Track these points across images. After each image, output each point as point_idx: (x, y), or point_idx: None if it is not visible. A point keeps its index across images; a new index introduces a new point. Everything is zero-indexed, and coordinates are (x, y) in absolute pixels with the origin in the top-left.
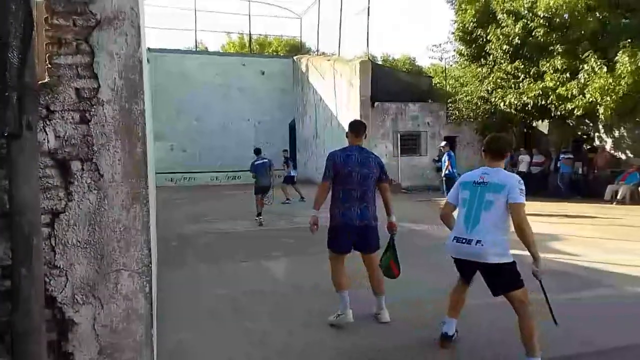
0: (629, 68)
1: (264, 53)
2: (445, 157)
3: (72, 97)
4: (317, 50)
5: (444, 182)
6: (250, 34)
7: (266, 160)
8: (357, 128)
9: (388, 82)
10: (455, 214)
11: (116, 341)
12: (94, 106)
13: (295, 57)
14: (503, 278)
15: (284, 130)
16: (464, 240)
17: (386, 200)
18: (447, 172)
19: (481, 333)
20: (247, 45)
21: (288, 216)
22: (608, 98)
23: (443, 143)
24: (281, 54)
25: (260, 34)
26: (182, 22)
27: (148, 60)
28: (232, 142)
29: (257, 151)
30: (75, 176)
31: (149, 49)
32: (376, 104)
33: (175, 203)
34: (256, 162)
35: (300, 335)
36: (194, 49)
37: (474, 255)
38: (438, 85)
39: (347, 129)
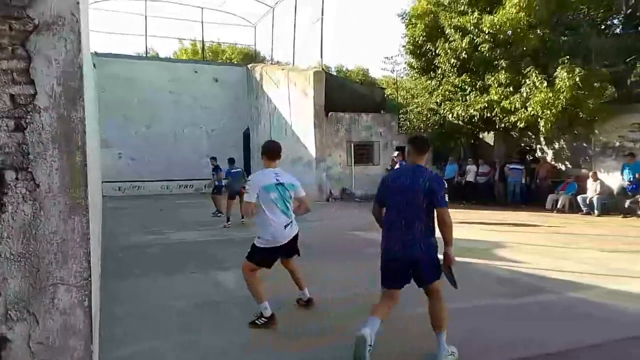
0: (567, 83)
1: (218, 60)
2: (397, 167)
3: (6, 104)
4: (272, 59)
5: None
6: (203, 41)
7: (240, 170)
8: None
9: (342, 93)
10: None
11: (53, 358)
12: (30, 113)
13: (249, 66)
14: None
15: (237, 138)
16: (287, 225)
17: None
18: None
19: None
20: (200, 52)
21: (241, 226)
22: (548, 111)
23: (395, 153)
24: (235, 62)
25: (213, 42)
26: (132, 28)
27: (94, 65)
28: (184, 150)
29: (232, 161)
30: (9, 186)
31: (95, 53)
32: (330, 113)
33: (123, 213)
34: (232, 171)
35: (250, 348)
36: (145, 55)
37: (293, 232)
38: (390, 96)
39: (301, 137)
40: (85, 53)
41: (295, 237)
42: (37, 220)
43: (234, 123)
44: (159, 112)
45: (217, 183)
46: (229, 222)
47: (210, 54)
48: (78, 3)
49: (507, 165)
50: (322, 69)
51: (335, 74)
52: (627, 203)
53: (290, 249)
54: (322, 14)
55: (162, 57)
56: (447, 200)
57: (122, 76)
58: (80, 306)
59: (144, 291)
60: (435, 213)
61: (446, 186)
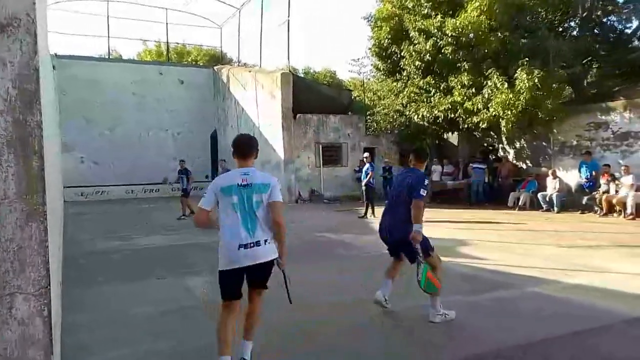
0: (527, 84)
1: (183, 62)
2: (367, 168)
3: None
4: (239, 61)
5: (364, 191)
6: (167, 42)
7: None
8: None
9: (309, 95)
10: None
11: None
12: None
13: (215, 67)
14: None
15: (204, 140)
16: (251, 244)
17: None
18: (369, 181)
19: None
20: (165, 53)
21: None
22: (509, 112)
23: (365, 154)
24: (201, 64)
25: (178, 43)
26: (94, 29)
27: (54, 67)
28: (150, 153)
29: (222, 162)
30: None
31: (56, 55)
32: (298, 115)
33: (86, 219)
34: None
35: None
36: (107, 57)
37: (260, 256)
38: (357, 98)
39: (269, 139)
40: (43, 55)
41: (265, 265)
42: None
43: (200, 125)
44: (122, 114)
45: (184, 186)
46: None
47: (175, 55)
48: (34, 4)
49: (470, 164)
50: (290, 71)
51: (302, 75)
52: (584, 200)
53: (254, 278)
54: (289, 16)
55: (126, 59)
56: (426, 192)
57: (84, 78)
58: (39, 315)
59: (109, 298)
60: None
61: (425, 183)
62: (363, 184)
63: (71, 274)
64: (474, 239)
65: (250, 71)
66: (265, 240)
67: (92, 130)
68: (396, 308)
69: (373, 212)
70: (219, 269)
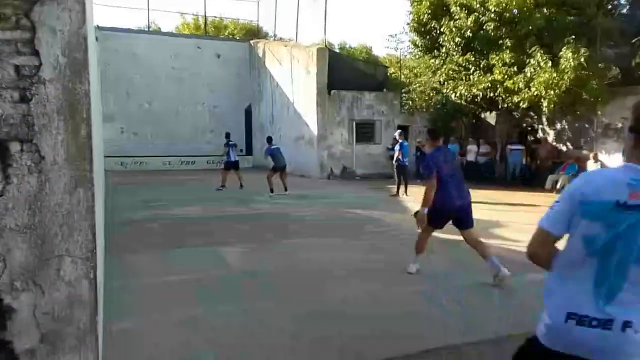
0: (572, 64)
1: (220, 36)
2: (397, 146)
3: (10, 75)
4: (275, 35)
5: (395, 169)
6: (205, 16)
7: (278, 146)
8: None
9: (344, 71)
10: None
11: (58, 328)
12: (35, 84)
13: (252, 42)
14: None
15: (239, 115)
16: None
17: None
18: (398, 159)
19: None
20: (202, 27)
21: (246, 202)
22: (552, 92)
23: (397, 132)
24: (237, 38)
25: (215, 17)
26: (134, 1)
27: (97, 39)
28: (186, 126)
29: (270, 139)
30: (14, 158)
31: (97, 26)
32: (332, 91)
33: (126, 188)
34: (272, 147)
35: (252, 323)
36: (147, 29)
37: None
38: (393, 75)
39: (303, 114)
40: (90, 25)
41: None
42: (42, 192)
43: (236, 100)
44: (161, 87)
45: (226, 159)
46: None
47: (212, 29)
48: None
49: (508, 145)
50: (326, 46)
51: (338, 51)
52: None
53: None
54: None
55: (165, 32)
56: (429, 172)
57: (124, 50)
58: (85, 278)
59: (147, 265)
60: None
61: (427, 163)
62: (394, 161)
63: (112, 241)
64: (508, 220)
65: (286, 46)
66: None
67: (131, 102)
68: (427, 287)
69: (406, 191)
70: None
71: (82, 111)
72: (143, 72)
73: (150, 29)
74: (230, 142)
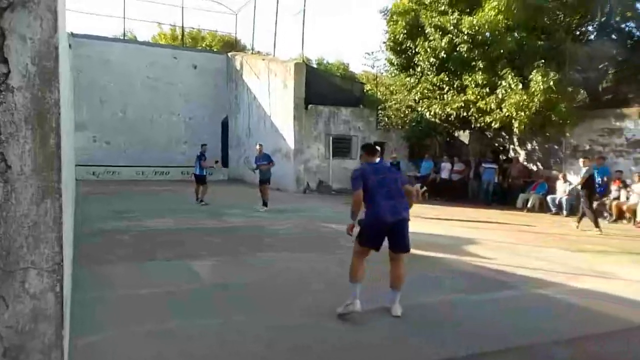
0: (542, 87)
1: (197, 47)
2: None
3: None
4: (252, 49)
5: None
6: (183, 27)
7: (268, 154)
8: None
9: (322, 86)
10: None
11: (22, 343)
12: (3, 92)
13: (229, 54)
14: None
15: (215, 127)
16: None
17: None
18: None
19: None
20: (180, 37)
21: (219, 215)
22: (522, 113)
23: None
24: (215, 50)
25: (193, 28)
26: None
27: (70, 46)
28: (160, 136)
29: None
30: None
31: (71, 33)
32: (310, 106)
33: (97, 198)
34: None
35: (224, 336)
36: (122, 37)
37: None
38: (370, 92)
39: (280, 128)
40: (62, 33)
41: None
42: (8, 202)
43: (212, 111)
44: (135, 96)
45: (197, 172)
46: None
47: (190, 40)
48: None
49: (482, 164)
50: (303, 61)
51: (315, 66)
52: (594, 205)
53: None
54: (305, 6)
55: (141, 41)
56: (354, 185)
57: (99, 58)
58: (51, 291)
59: (117, 278)
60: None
61: (354, 176)
62: None
63: (81, 252)
64: (479, 237)
65: (263, 59)
66: None
67: (105, 110)
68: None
69: None
70: None
71: (52, 120)
72: (117, 80)
73: (126, 38)
74: (199, 154)
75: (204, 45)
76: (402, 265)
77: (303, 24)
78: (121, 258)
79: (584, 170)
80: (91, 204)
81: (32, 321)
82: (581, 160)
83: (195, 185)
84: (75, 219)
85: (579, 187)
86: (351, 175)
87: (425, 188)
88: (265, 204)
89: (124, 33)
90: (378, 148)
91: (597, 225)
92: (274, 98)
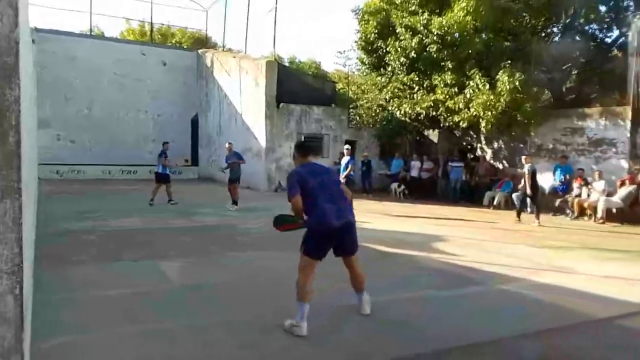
0: (508, 87)
1: (167, 44)
2: (347, 160)
3: None
4: (223, 46)
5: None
6: (152, 23)
7: (239, 153)
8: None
9: (293, 84)
10: None
11: None
12: None
13: (199, 51)
14: None
15: (185, 124)
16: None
17: None
18: (350, 174)
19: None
20: (148, 34)
21: (188, 214)
22: (489, 113)
23: (346, 147)
24: (185, 46)
25: (163, 24)
26: (76, 3)
27: (34, 41)
28: (128, 134)
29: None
30: None
31: (35, 28)
32: (281, 104)
33: (62, 197)
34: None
35: (189, 338)
36: (89, 33)
37: None
38: (341, 90)
39: (251, 126)
40: (23, 28)
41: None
42: None
43: (182, 109)
44: (102, 93)
45: (160, 170)
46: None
47: (159, 36)
48: None
49: (449, 162)
50: (275, 59)
51: (287, 64)
52: (557, 202)
53: None
54: (276, 4)
55: (108, 37)
56: (290, 191)
57: (64, 54)
58: (10, 293)
59: (82, 279)
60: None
61: (289, 181)
62: (342, 176)
63: (44, 253)
64: (447, 235)
65: (234, 57)
66: None
67: (69, 107)
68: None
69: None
70: None
71: (11, 118)
72: (83, 76)
73: (92, 34)
74: (160, 152)
75: (173, 42)
76: (358, 265)
77: (275, 21)
78: (87, 259)
79: (526, 167)
80: (55, 203)
81: None
82: (523, 157)
83: (154, 184)
84: (38, 219)
85: (527, 187)
86: (287, 179)
87: (403, 187)
88: (235, 202)
89: (91, 29)
90: (311, 145)
91: (538, 217)
92: (246, 96)
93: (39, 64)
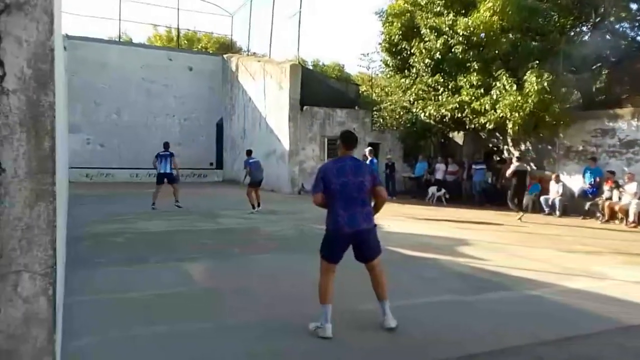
0: (536, 87)
1: (193, 49)
2: (369, 163)
3: None
4: (248, 50)
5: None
6: (178, 28)
7: (258, 160)
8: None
9: (317, 87)
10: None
11: (13, 347)
12: None
13: (225, 56)
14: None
15: (211, 128)
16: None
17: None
18: None
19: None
20: (175, 39)
21: (213, 217)
22: (516, 114)
23: (368, 149)
24: (211, 51)
25: (189, 29)
26: (105, 11)
27: (65, 48)
28: (155, 138)
29: (249, 152)
30: None
31: (66, 35)
32: (305, 107)
33: (90, 200)
34: (251, 161)
35: (212, 340)
36: (117, 39)
37: None
38: (365, 93)
39: (275, 129)
40: (57, 35)
41: None
42: (1, 205)
43: (207, 113)
44: (130, 98)
45: (168, 170)
46: (256, 209)
47: (185, 41)
48: None
49: (473, 165)
50: (299, 63)
51: (311, 68)
52: (587, 205)
53: None
54: (300, 8)
55: (136, 43)
56: (313, 188)
57: (94, 60)
58: (44, 294)
59: (108, 281)
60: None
61: (316, 175)
62: None
63: (73, 255)
64: (472, 238)
65: (259, 61)
66: None
67: (99, 112)
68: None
69: None
70: None
71: (46, 123)
72: (112, 82)
73: (121, 40)
74: (162, 153)
75: (199, 47)
76: (378, 271)
77: (299, 25)
78: (113, 261)
79: (516, 164)
80: (84, 206)
81: (23, 325)
82: (514, 159)
83: (156, 187)
84: (67, 222)
85: (507, 175)
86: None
87: (444, 191)
88: (257, 205)
89: (119, 35)
90: (355, 138)
91: (519, 211)
92: (269, 100)
93: (69, 70)
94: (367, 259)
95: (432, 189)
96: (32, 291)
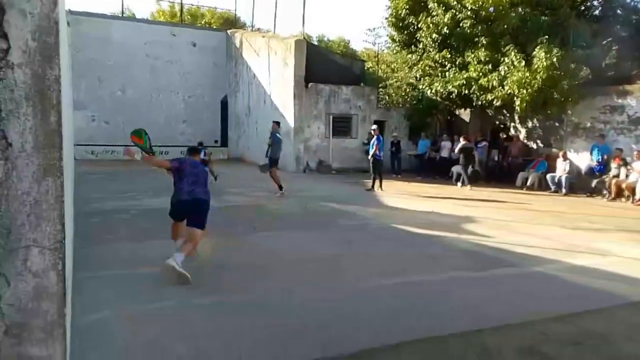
0: (545, 63)
1: (196, 24)
2: (374, 140)
3: None
4: (252, 26)
5: (371, 164)
6: (182, 3)
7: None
8: None
9: (322, 63)
10: None
11: (24, 321)
12: (3, 69)
13: (229, 31)
14: None
15: (215, 106)
16: None
17: None
18: (375, 154)
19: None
20: (178, 15)
21: (218, 194)
22: (524, 91)
23: (374, 127)
24: (214, 27)
25: (192, 5)
26: None
27: (68, 24)
28: (160, 115)
29: (278, 124)
30: None
31: (69, 10)
32: (310, 84)
33: (96, 177)
34: (279, 135)
35: (225, 315)
36: (120, 15)
37: None
38: (370, 69)
39: (279, 107)
40: (61, 8)
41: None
42: (9, 180)
43: (211, 90)
44: (134, 75)
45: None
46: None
47: (189, 17)
48: None
49: (476, 144)
50: (304, 38)
51: (316, 43)
52: (594, 183)
53: None
54: None
55: (139, 18)
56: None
57: (97, 36)
58: (53, 269)
59: (116, 257)
60: None
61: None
62: (369, 156)
63: (81, 231)
64: (478, 215)
65: (263, 37)
66: None
67: (103, 89)
68: (397, 281)
69: (380, 186)
70: None
71: (52, 97)
72: (116, 58)
73: (124, 15)
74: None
75: (203, 22)
76: (195, 234)
77: (304, 0)
78: (120, 237)
79: (462, 142)
80: (90, 183)
81: (34, 299)
82: (461, 138)
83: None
84: (74, 198)
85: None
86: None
87: (474, 169)
88: (280, 187)
89: (122, 10)
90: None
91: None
92: (274, 76)
93: (73, 46)
94: (192, 224)
95: (456, 168)
96: (42, 266)
